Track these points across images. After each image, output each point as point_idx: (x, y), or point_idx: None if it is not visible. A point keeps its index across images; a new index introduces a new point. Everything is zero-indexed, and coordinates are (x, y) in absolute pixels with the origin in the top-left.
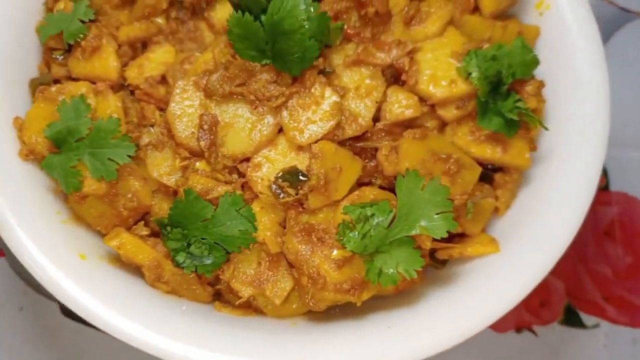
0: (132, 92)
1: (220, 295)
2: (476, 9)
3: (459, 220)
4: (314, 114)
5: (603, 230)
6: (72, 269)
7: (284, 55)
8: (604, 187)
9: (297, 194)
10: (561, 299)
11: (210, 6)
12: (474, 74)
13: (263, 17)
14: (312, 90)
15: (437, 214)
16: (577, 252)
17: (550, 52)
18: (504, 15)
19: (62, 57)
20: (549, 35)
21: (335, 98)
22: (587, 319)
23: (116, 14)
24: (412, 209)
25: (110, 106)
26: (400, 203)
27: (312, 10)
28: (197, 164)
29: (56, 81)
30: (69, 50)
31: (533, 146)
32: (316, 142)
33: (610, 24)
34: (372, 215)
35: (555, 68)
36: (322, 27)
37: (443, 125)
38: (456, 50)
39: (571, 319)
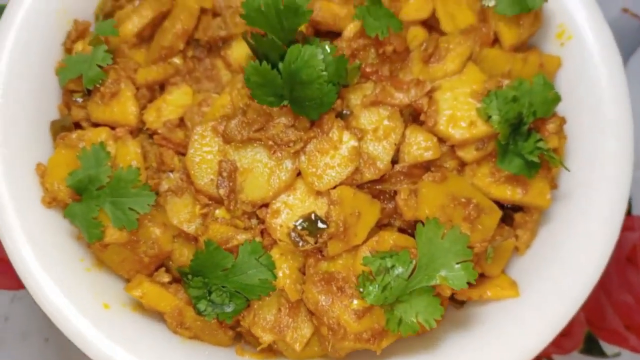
0: (150, 136)
1: (241, 336)
2: (496, 41)
3: (478, 264)
4: (332, 159)
5: (625, 256)
6: (97, 319)
7: (301, 100)
8: (626, 212)
9: (316, 242)
10: (582, 327)
11: (227, 44)
12: (495, 117)
13: (280, 64)
14: (330, 134)
15: (458, 263)
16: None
17: (572, 84)
18: (524, 46)
19: (81, 99)
20: (571, 66)
21: (353, 143)
22: (608, 347)
23: (133, 53)
24: (432, 258)
25: (130, 153)
26: (421, 252)
27: (328, 50)
28: (217, 211)
29: (76, 124)
30: (88, 93)
31: (554, 184)
32: (335, 187)
33: (633, 38)
34: (393, 266)
35: (577, 101)
36: (339, 70)
37: (462, 164)
38: (476, 89)
39: (592, 348)
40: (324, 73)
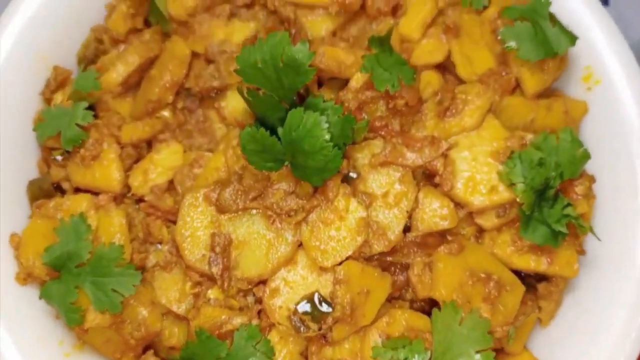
0: (137, 201)
1: None
2: (517, 86)
3: (499, 343)
4: (337, 231)
5: None
6: None
7: (303, 167)
8: None
9: (320, 329)
10: None
11: (221, 95)
12: (519, 186)
13: (280, 129)
14: (336, 203)
15: (477, 352)
16: None
17: (599, 133)
18: (547, 91)
19: (61, 157)
20: (598, 112)
21: (361, 213)
22: None
23: (117, 103)
24: (449, 346)
25: (113, 224)
26: (436, 340)
27: (334, 109)
28: (209, 291)
29: (56, 185)
30: (68, 151)
31: (581, 250)
32: (340, 262)
33: None
34: (406, 359)
35: (605, 152)
36: (345, 131)
37: (481, 230)
38: (497, 147)
39: None
40: (329, 143)
